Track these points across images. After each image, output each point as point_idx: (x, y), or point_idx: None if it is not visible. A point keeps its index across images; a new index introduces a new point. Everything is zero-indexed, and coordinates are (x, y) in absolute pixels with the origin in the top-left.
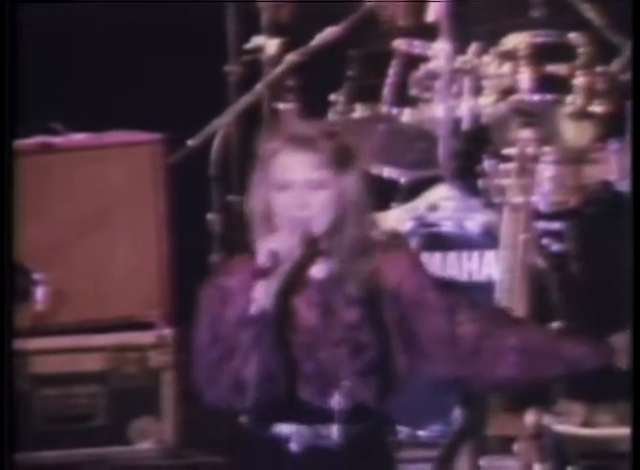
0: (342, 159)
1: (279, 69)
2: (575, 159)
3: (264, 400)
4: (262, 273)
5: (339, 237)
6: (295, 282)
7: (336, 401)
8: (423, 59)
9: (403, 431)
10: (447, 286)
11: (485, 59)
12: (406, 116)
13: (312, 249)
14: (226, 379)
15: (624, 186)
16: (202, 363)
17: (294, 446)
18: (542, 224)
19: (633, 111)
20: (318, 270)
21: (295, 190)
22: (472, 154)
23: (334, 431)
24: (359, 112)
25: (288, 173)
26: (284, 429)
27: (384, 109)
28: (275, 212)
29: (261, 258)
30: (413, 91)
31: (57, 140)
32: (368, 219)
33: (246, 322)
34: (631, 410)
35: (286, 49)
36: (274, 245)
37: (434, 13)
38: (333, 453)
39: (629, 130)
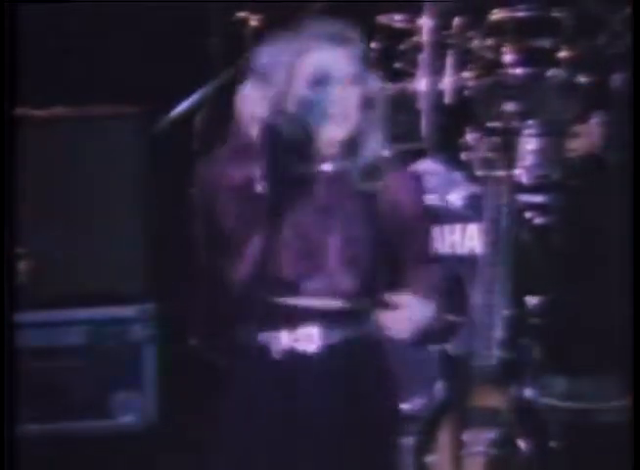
0: (369, 57)
1: (262, 42)
2: (559, 132)
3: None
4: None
5: (357, 143)
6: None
7: (315, 296)
8: (407, 33)
9: None
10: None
11: (469, 33)
12: (389, 89)
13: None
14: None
15: (608, 159)
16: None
17: (275, 353)
18: (525, 197)
19: (634, 106)
20: (328, 166)
21: (333, 85)
22: (455, 127)
23: (315, 334)
24: None
25: (325, 69)
26: (264, 336)
27: None
28: (307, 108)
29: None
30: (397, 65)
31: (38, 113)
32: (383, 133)
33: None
34: (632, 408)
35: (268, 23)
36: (328, 133)
37: None
38: (315, 358)
39: (616, 105)
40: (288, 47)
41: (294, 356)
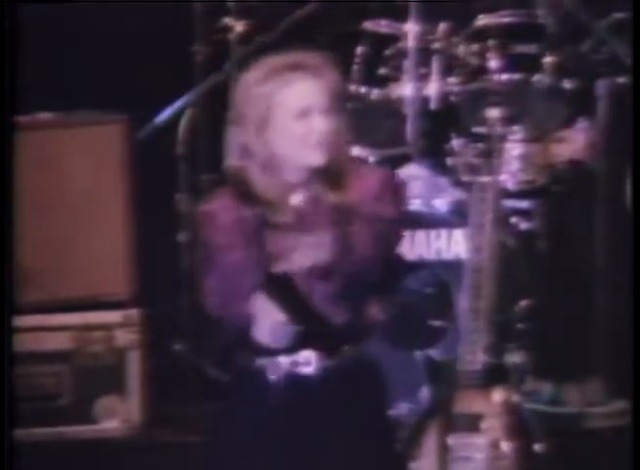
0: (340, 88)
1: (247, 48)
2: (544, 137)
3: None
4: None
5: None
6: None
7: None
8: (392, 38)
9: None
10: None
11: (455, 39)
12: (375, 94)
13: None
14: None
15: (592, 164)
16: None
17: (272, 377)
18: (511, 203)
19: (634, 112)
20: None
21: (314, 115)
22: (440, 133)
23: (312, 358)
24: None
25: (306, 100)
26: (261, 360)
27: (352, 88)
28: (290, 140)
29: (294, 173)
30: (382, 70)
31: (22, 119)
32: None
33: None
34: (631, 410)
35: (254, 29)
36: (310, 160)
37: None
38: (313, 381)
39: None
40: (266, 78)
41: (292, 380)
